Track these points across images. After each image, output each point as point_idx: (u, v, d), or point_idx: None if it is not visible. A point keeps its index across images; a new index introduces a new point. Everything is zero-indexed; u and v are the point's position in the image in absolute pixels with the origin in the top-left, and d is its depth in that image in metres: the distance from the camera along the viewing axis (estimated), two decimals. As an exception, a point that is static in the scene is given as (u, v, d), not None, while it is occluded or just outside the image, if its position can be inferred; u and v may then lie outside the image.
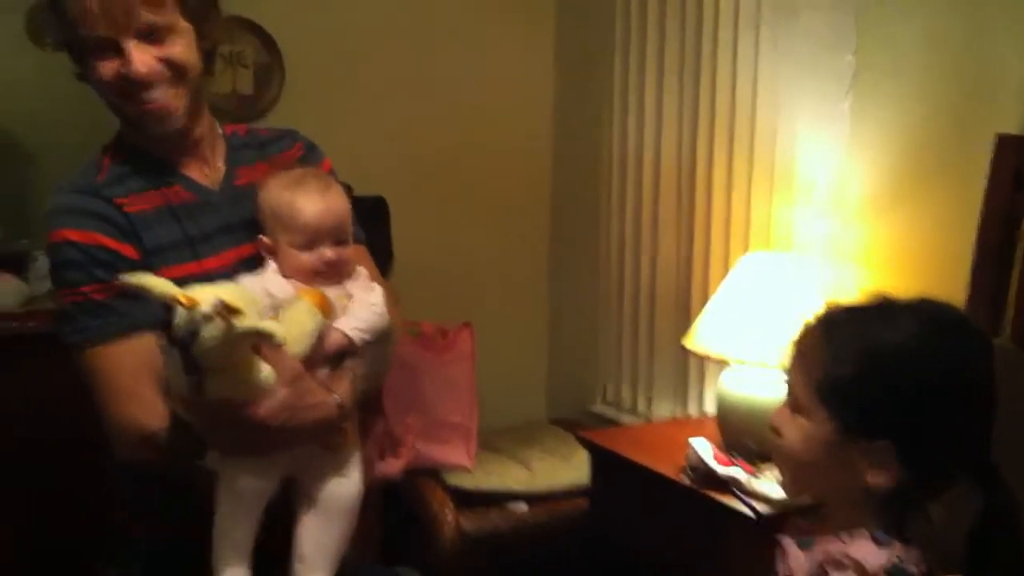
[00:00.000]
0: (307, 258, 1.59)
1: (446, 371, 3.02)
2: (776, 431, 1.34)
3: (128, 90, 1.54)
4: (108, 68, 1.52)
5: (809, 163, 2.58)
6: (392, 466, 1.72)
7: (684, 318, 2.90)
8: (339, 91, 3.22)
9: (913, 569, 1.23)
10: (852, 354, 1.25)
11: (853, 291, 1.37)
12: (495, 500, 2.96)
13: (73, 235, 1.54)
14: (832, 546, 1.26)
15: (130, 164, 1.62)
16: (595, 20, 3.27)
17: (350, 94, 3.22)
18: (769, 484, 2.14)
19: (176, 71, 1.56)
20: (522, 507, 2.95)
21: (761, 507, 2.10)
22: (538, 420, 3.59)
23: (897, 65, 2.39)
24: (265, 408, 1.43)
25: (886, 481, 1.23)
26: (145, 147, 1.63)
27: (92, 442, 2.45)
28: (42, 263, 2.87)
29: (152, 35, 1.53)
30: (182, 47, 1.56)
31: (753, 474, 2.18)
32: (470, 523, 2.89)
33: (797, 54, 2.57)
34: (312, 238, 1.59)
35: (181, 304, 1.34)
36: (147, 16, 1.51)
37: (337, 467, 1.57)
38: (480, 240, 3.52)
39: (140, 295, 1.38)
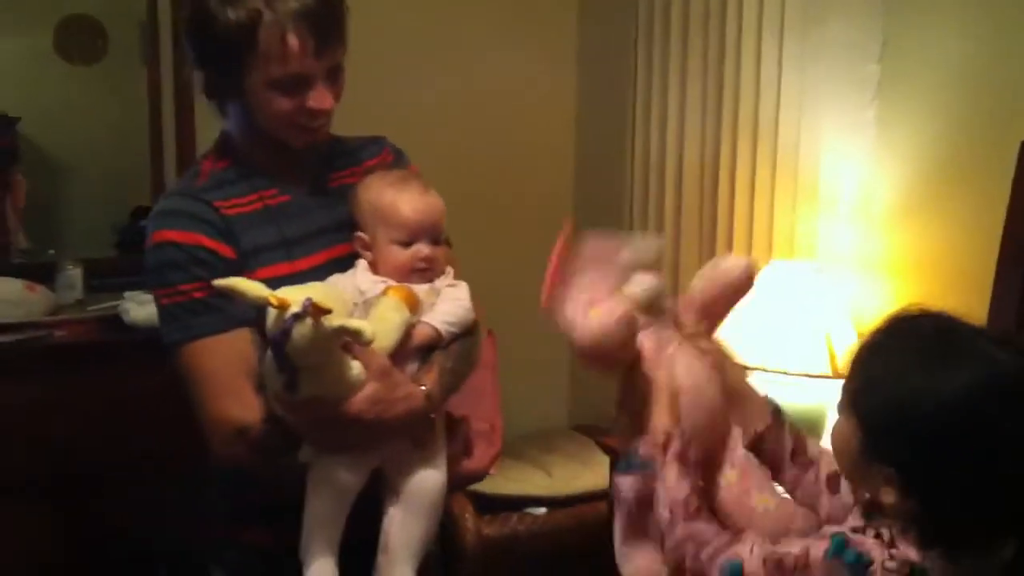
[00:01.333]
0: (405, 254, 1.66)
1: (469, 379, 3.04)
2: None
3: (302, 120, 1.63)
4: (289, 103, 1.60)
5: (833, 172, 2.58)
6: (479, 462, 1.76)
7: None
8: (358, 97, 3.22)
9: (868, 556, 1.21)
10: (886, 382, 1.24)
11: (916, 304, 1.33)
12: (515, 505, 2.97)
13: (174, 236, 1.60)
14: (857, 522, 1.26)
15: (231, 170, 1.68)
16: (617, 28, 3.29)
17: (370, 101, 3.22)
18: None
19: (338, 98, 1.67)
20: (541, 511, 2.96)
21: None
22: (560, 427, 3.60)
23: (922, 73, 2.39)
24: (356, 403, 1.49)
25: (897, 503, 1.22)
26: (251, 155, 1.69)
27: (129, 451, 2.47)
28: (72, 274, 2.91)
29: (334, 73, 1.63)
30: (342, 80, 1.67)
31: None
32: (490, 528, 2.90)
33: (822, 62, 2.58)
34: (412, 235, 1.66)
35: (272, 305, 1.39)
36: (336, 58, 1.62)
37: (424, 460, 1.61)
38: (502, 247, 3.52)
39: (234, 297, 1.43)
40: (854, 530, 1.26)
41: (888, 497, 1.23)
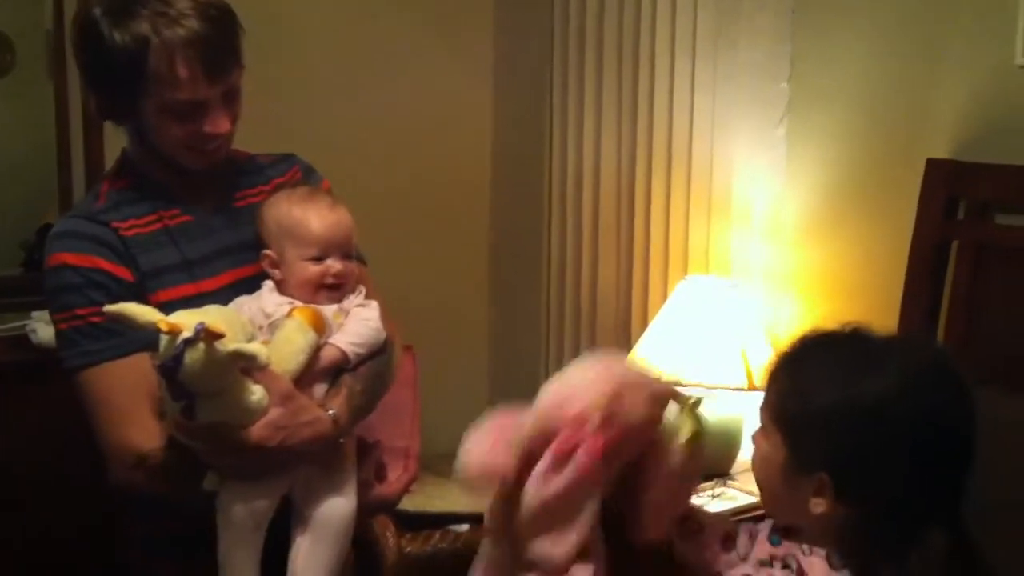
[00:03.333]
0: (315, 270, 1.63)
1: (389, 396, 3.02)
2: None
3: (198, 144, 1.59)
4: (184, 128, 1.57)
5: (746, 189, 2.63)
6: (392, 487, 1.74)
7: (624, 341, 2.93)
8: (268, 108, 3.18)
9: None
10: (809, 393, 1.27)
11: (825, 320, 1.38)
12: (437, 522, 2.95)
13: (71, 259, 1.57)
14: (793, 550, 1.29)
15: (130, 191, 1.64)
16: (533, 46, 3.30)
17: (280, 112, 3.19)
18: (707, 500, 2.18)
19: (235, 120, 1.63)
20: (463, 528, 2.95)
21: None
22: (479, 443, 3.59)
23: (830, 93, 2.45)
24: (258, 429, 1.46)
25: (826, 511, 1.26)
26: (150, 175, 1.66)
27: (38, 472, 2.40)
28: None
29: (230, 96, 1.60)
30: (240, 101, 1.63)
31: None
32: (412, 545, 2.88)
33: (732, 82, 2.62)
34: (323, 250, 1.64)
35: (163, 331, 1.35)
36: (230, 82, 1.59)
37: (333, 486, 1.59)
38: (419, 262, 3.51)
39: (125, 323, 1.40)
40: (761, 563, 1.28)
41: (818, 508, 1.26)
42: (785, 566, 1.28)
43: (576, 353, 3.18)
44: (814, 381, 1.27)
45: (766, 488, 1.35)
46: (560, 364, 3.25)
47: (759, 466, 1.34)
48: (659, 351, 2.41)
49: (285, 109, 3.17)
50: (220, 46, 1.56)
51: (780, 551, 1.30)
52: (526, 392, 3.83)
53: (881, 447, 1.23)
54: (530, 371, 3.42)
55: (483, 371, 3.71)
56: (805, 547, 1.29)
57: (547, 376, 3.61)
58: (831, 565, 1.26)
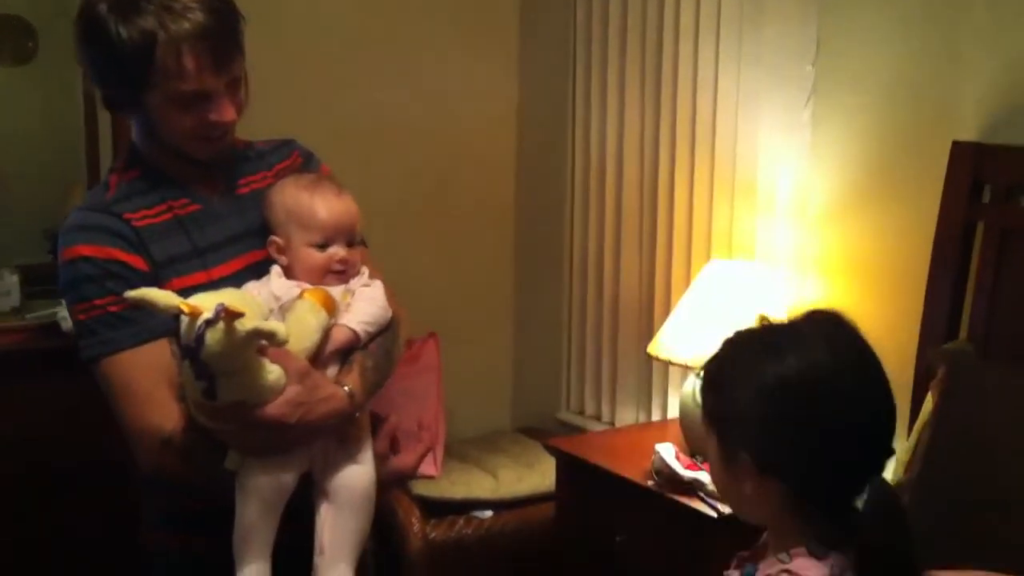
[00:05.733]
0: (321, 256, 1.66)
1: (412, 382, 3.03)
2: None
3: (205, 133, 1.61)
4: (191, 118, 1.59)
5: (770, 172, 2.62)
6: (406, 459, 1.76)
7: (647, 326, 2.93)
8: (298, 104, 3.20)
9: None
10: (723, 383, 1.36)
11: (850, 303, 1.44)
12: (461, 508, 2.97)
13: (86, 250, 1.58)
14: (773, 568, 1.31)
15: (139, 181, 1.66)
16: (557, 33, 3.30)
17: (310, 108, 3.21)
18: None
19: (240, 110, 1.65)
20: (487, 514, 2.96)
21: (724, 508, 2.13)
22: (504, 429, 3.60)
23: (856, 75, 2.44)
24: (277, 406, 1.49)
25: (755, 490, 1.32)
26: (158, 165, 1.67)
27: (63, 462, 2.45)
28: (8, 281, 2.86)
29: (234, 85, 1.61)
30: (245, 89, 1.65)
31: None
32: (437, 531, 2.90)
33: (757, 65, 2.61)
34: (328, 237, 1.66)
35: (184, 313, 1.39)
36: (234, 71, 1.60)
37: (351, 458, 1.61)
38: (444, 250, 3.52)
39: (146, 309, 1.43)
40: None
41: (748, 489, 1.32)
42: None
43: (599, 338, 3.20)
44: (726, 374, 1.36)
45: (721, 489, 1.44)
46: (583, 350, 3.28)
47: (711, 470, 1.43)
48: (682, 335, 2.41)
49: (315, 104, 3.20)
50: (225, 37, 1.57)
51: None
52: (549, 379, 3.87)
53: (785, 420, 1.29)
54: (553, 358, 3.43)
55: (507, 358, 3.72)
56: (783, 555, 1.31)
57: (570, 362, 3.64)
58: (815, 555, 1.29)
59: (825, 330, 1.33)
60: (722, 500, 1.48)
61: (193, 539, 1.68)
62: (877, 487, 1.28)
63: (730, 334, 1.41)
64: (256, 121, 1.79)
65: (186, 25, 1.52)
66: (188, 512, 1.67)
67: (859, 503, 1.30)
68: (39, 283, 2.93)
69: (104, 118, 3.08)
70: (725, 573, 1.42)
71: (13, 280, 2.88)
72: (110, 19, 1.53)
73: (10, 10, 3.17)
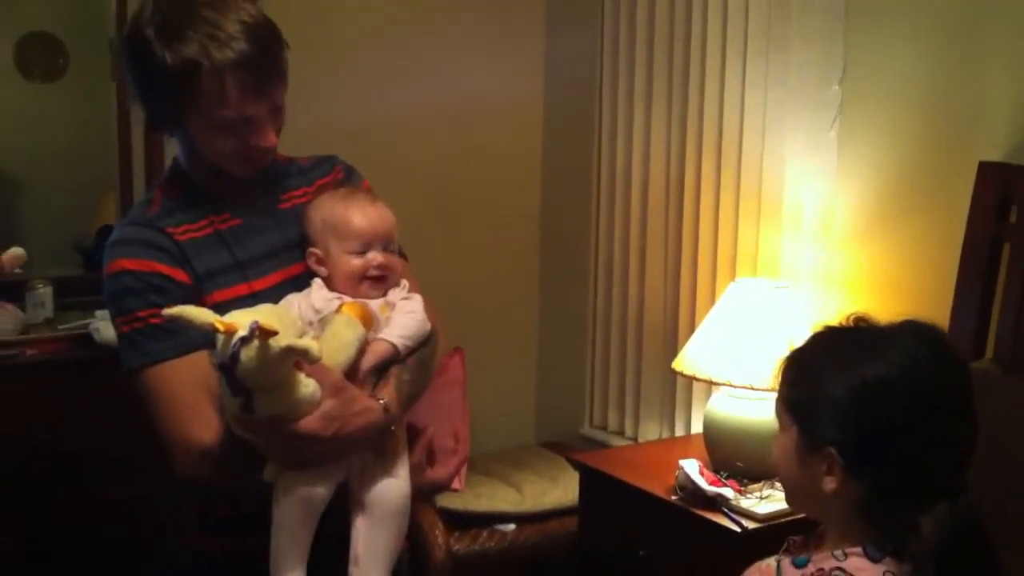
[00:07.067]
0: (359, 263, 1.69)
1: (438, 396, 3.05)
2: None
3: (246, 155, 1.65)
4: (232, 142, 1.62)
5: (796, 191, 2.62)
6: (442, 471, 1.78)
7: (671, 342, 2.94)
8: (322, 111, 3.22)
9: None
10: (814, 377, 1.36)
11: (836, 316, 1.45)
12: (484, 521, 2.98)
13: (129, 264, 1.61)
14: (827, 563, 1.32)
15: (183, 198, 1.70)
16: (584, 44, 3.32)
17: (333, 114, 3.23)
18: (756, 501, 2.19)
19: (280, 131, 1.68)
20: (510, 527, 2.97)
21: (748, 523, 2.14)
22: (528, 443, 3.61)
23: (882, 95, 2.44)
24: (312, 420, 1.51)
25: (837, 487, 1.32)
26: (201, 182, 1.71)
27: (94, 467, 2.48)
28: (41, 292, 2.91)
29: (275, 111, 1.64)
30: (283, 114, 1.67)
31: (741, 493, 2.22)
32: (460, 544, 2.91)
33: (784, 83, 2.62)
34: (365, 243, 1.69)
35: (219, 331, 1.42)
36: (276, 98, 1.63)
37: (387, 471, 1.63)
38: (469, 265, 3.54)
39: (184, 324, 1.46)
40: None
41: (830, 485, 1.32)
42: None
43: (623, 355, 3.21)
44: (821, 368, 1.35)
45: (785, 477, 1.43)
46: (607, 366, 3.29)
47: (778, 458, 1.41)
48: (707, 351, 2.42)
49: (336, 107, 3.20)
50: (267, 66, 1.60)
51: (811, 569, 1.34)
52: (573, 394, 3.86)
53: (884, 423, 1.30)
54: (577, 373, 3.44)
55: (531, 373, 3.74)
56: (838, 552, 1.32)
57: (594, 377, 3.64)
58: (870, 558, 1.30)
59: (926, 339, 1.35)
60: (788, 495, 1.47)
61: (224, 542, 1.71)
62: (967, 511, 1.30)
63: (820, 328, 1.42)
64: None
65: (230, 54, 1.55)
66: (223, 516, 1.70)
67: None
68: (72, 295, 2.98)
69: (137, 134, 3.12)
70: (776, 558, 1.41)
71: (47, 292, 2.93)
72: (156, 44, 1.56)
73: (41, 27, 3.22)
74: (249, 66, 1.56)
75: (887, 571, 1.29)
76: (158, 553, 1.84)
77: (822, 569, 1.31)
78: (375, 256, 1.69)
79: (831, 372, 1.33)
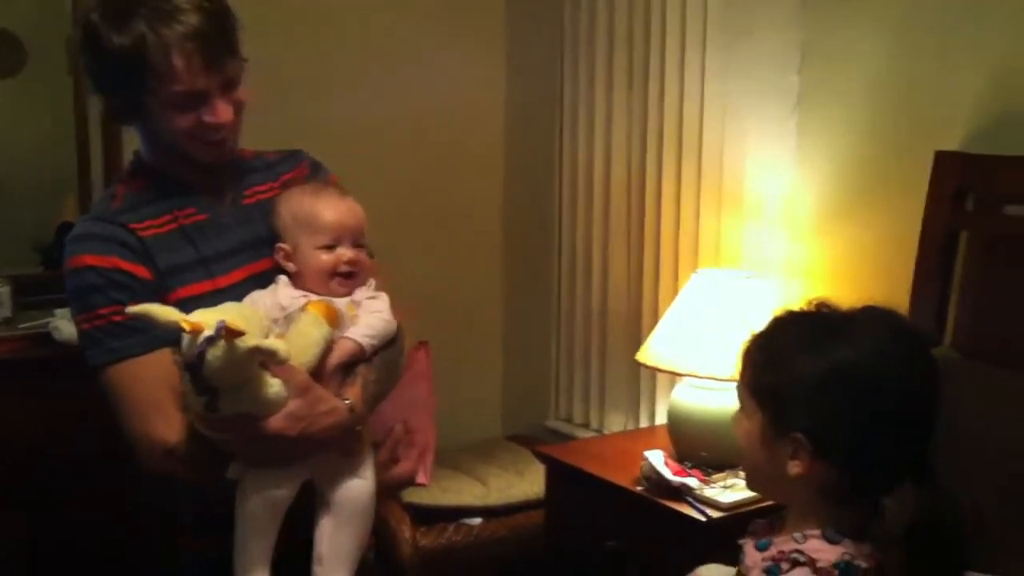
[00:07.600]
0: (329, 258, 1.68)
1: (404, 390, 3.05)
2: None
3: (203, 135, 1.63)
4: (188, 119, 1.61)
5: (757, 180, 2.64)
6: (406, 467, 1.79)
7: (635, 334, 2.95)
8: (284, 107, 3.21)
9: (862, 563, 1.31)
10: (781, 362, 1.37)
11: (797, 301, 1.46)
12: (451, 515, 2.98)
13: (92, 260, 1.60)
14: (786, 546, 1.33)
15: (145, 191, 1.69)
16: (545, 37, 3.32)
17: (292, 107, 3.20)
18: (720, 491, 2.20)
19: (239, 111, 1.66)
20: (477, 521, 2.98)
21: (712, 512, 2.15)
22: (494, 437, 3.61)
23: (841, 84, 2.46)
24: (278, 420, 1.51)
25: (802, 471, 1.33)
26: (166, 172, 1.69)
27: (67, 465, 2.45)
28: (0, 291, 2.87)
29: (230, 86, 1.63)
30: (242, 88, 1.66)
31: (705, 482, 2.24)
32: (427, 539, 2.91)
33: (744, 73, 2.64)
34: (335, 238, 1.69)
35: (185, 330, 1.40)
36: (229, 68, 1.62)
37: (352, 470, 1.64)
38: (434, 260, 3.53)
39: (148, 323, 1.46)
40: (768, 572, 1.34)
41: (795, 468, 1.34)
42: (795, 564, 1.32)
43: (588, 347, 3.22)
44: (787, 352, 1.36)
45: (749, 461, 1.44)
46: (572, 358, 3.30)
47: (742, 441, 1.42)
48: (670, 343, 2.43)
49: (298, 104, 3.19)
50: (215, 38, 1.59)
51: (772, 552, 1.35)
52: (538, 387, 3.87)
53: (850, 406, 1.31)
54: (542, 366, 3.45)
55: (497, 366, 3.74)
56: (798, 535, 1.34)
57: (559, 370, 3.65)
58: (829, 540, 1.32)
59: (889, 324, 1.36)
60: (750, 478, 1.49)
61: (224, 541, 1.70)
62: (939, 489, 1.32)
63: (782, 313, 1.42)
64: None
65: (178, 27, 1.55)
66: (212, 515, 1.69)
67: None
68: (30, 294, 2.94)
69: (95, 130, 3.09)
70: (740, 541, 1.43)
71: (5, 291, 2.89)
72: (103, 27, 1.56)
73: (-1, 24, 3.18)
74: (196, 38, 1.56)
75: (845, 552, 1.30)
76: (123, 556, 1.82)
77: (782, 551, 1.33)
78: (345, 252, 1.69)
79: (801, 358, 1.34)
